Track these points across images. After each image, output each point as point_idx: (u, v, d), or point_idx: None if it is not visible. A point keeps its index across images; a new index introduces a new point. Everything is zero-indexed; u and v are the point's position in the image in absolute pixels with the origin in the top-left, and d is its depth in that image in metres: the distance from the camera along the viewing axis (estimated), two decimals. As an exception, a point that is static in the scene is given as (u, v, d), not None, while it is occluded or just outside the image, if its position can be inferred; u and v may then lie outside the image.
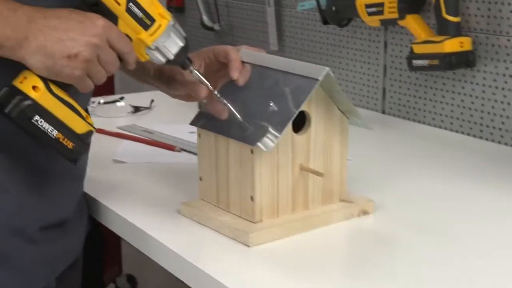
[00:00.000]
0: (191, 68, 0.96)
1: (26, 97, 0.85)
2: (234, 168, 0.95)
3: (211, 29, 2.02)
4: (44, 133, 0.86)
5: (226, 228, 0.94)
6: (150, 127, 1.44)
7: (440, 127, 1.47)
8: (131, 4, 0.88)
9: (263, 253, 0.90)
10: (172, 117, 1.53)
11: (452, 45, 1.32)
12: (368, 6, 1.44)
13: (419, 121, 1.52)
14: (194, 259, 0.88)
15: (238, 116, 0.94)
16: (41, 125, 0.86)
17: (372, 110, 1.61)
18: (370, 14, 1.44)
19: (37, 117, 0.85)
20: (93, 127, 0.92)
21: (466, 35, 1.35)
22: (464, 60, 1.33)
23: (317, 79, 0.92)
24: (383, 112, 1.59)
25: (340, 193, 1.02)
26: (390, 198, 1.08)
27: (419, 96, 1.51)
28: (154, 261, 0.96)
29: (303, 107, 0.93)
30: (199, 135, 1.01)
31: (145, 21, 0.89)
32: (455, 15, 1.33)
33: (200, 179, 1.02)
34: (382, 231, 0.98)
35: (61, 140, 0.88)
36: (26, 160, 0.93)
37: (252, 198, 0.94)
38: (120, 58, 0.89)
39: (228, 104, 0.95)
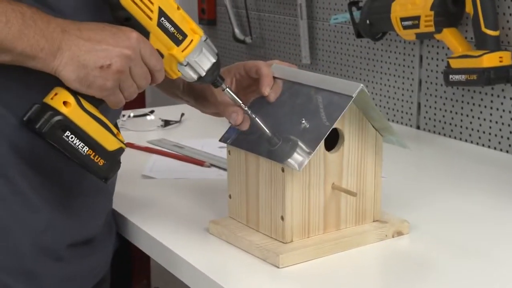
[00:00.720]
0: (223, 86, 0.94)
1: (57, 112, 0.84)
2: (264, 186, 0.93)
3: (243, 42, 2.01)
4: (75, 149, 0.85)
5: (255, 249, 0.92)
6: (180, 142, 1.43)
7: (477, 143, 1.43)
8: (163, 18, 0.87)
9: (293, 274, 0.88)
10: (202, 131, 1.52)
11: (491, 59, 1.28)
12: (403, 19, 1.41)
13: (455, 138, 1.48)
14: (222, 280, 0.86)
15: (268, 131, 0.92)
16: (72, 141, 0.85)
17: (407, 125, 1.58)
18: (405, 27, 1.41)
19: (68, 133, 0.84)
20: (124, 144, 0.90)
21: (506, 50, 1.31)
22: (504, 76, 1.30)
23: (351, 96, 0.90)
24: (418, 128, 1.56)
25: (374, 213, 0.99)
26: (425, 218, 1.05)
27: (455, 112, 1.47)
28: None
29: (336, 125, 0.91)
30: (229, 152, 0.99)
31: (177, 36, 0.88)
32: (495, 29, 1.30)
33: (230, 197, 1.00)
34: (417, 253, 0.95)
35: (92, 156, 0.86)
36: (56, 178, 0.92)
37: (282, 218, 0.91)
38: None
39: (258, 121, 0.93)
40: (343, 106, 0.90)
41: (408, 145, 0.98)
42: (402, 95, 1.58)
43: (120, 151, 0.90)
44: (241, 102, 0.94)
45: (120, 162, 0.90)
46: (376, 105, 1.60)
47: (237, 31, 2.02)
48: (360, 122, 0.95)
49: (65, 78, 0.83)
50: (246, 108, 0.94)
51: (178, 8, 0.89)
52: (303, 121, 0.91)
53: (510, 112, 1.36)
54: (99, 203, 1.01)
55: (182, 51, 0.88)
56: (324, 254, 0.92)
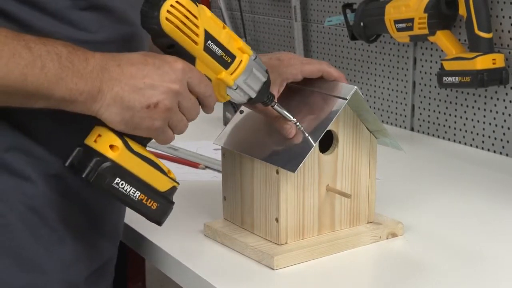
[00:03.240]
0: (273, 103, 0.89)
1: (104, 158, 0.77)
2: (259, 188, 0.93)
3: (237, 44, 2.01)
4: (126, 196, 0.78)
5: (250, 250, 0.92)
6: (174, 144, 1.43)
7: (471, 145, 1.44)
8: (209, 42, 0.80)
9: (288, 276, 0.88)
10: (197, 133, 1.51)
11: (484, 62, 1.29)
12: (397, 21, 1.42)
13: (449, 139, 1.49)
14: (217, 282, 0.86)
15: (313, 143, 0.89)
16: (122, 188, 0.78)
17: (401, 127, 1.58)
18: (399, 29, 1.42)
19: (118, 179, 0.77)
20: (177, 182, 0.84)
21: (499, 52, 1.32)
22: (497, 77, 1.30)
23: (345, 98, 0.90)
24: (412, 130, 1.57)
25: (368, 214, 0.99)
26: (419, 219, 1.05)
27: (449, 114, 1.48)
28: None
29: (330, 127, 0.91)
30: (223, 154, 0.99)
31: (225, 59, 0.81)
32: (488, 31, 1.30)
33: (224, 199, 1.00)
34: (411, 254, 0.95)
35: (144, 201, 0.80)
36: (81, 207, 0.88)
37: (277, 220, 0.91)
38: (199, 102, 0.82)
39: (307, 135, 0.90)
40: (338, 108, 0.90)
41: (402, 147, 0.98)
42: (396, 97, 1.59)
43: (173, 190, 0.83)
44: (291, 117, 0.90)
45: (173, 202, 0.84)
46: (370, 107, 1.60)
47: (231, 33, 2.02)
48: (354, 124, 0.95)
49: (108, 120, 0.77)
50: (298, 124, 0.90)
51: (224, 27, 0.82)
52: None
53: (503, 113, 1.37)
54: (117, 228, 0.97)
55: (231, 74, 0.82)
56: (318, 255, 0.92)
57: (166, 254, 0.95)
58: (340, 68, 1.70)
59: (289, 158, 0.89)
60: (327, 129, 0.90)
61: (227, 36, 0.82)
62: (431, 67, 1.50)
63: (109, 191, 0.78)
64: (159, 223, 0.83)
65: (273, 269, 0.89)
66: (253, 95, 0.85)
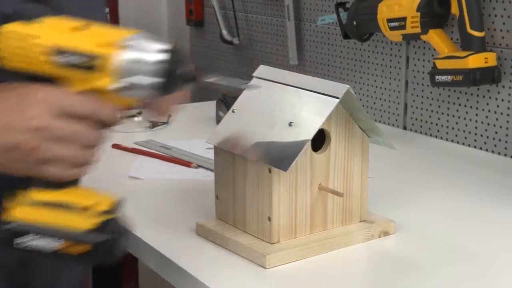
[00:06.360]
0: (201, 78, 0.73)
1: (4, 222, 0.70)
2: (251, 187, 0.93)
3: (230, 43, 2.01)
4: (46, 249, 0.71)
5: (242, 249, 0.92)
6: (167, 143, 1.43)
7: (464, 144, 1.44)
8: (59, 55, 0.68)
9: (280, 275, 0.88)
10: (189, 132, 1.52)
11: (476, 60, 1.29)
12: (390, 20, 1.42)
13: (441, 138, 1.49)
14: (209, 281, 0.86)
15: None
16: (36, 243, 0.70)
17: (393, 126, 1.58)
18: (392, 28, 1.42)
19: (28, 236, 0.70)
20: (114, 212, 0.75)
21: (491, 51, 1.32)
22: (489, 76, 1.31)
23: (337, 97, 0.90)
24: (405, 128, 1.57)
25: (360, 213, 0.99)
26: (412, 218, 1.05)
27: (441, 112, 1.48)
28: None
29: (322, 125, 0.91)
30: (216, 153, 0.99)
31: (87, 64, 0.68)
32: (480, 30, 1.30)
33: (217, 198, 1.00)
34: (403, 253, 0.95)
35: (63, 250, 0.71)
36: None
37: (269, 219, 0.91)
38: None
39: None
40: (330, 107, 0.90)
41: (395, 146, 0.98)
42: (389, 95, 1.59)
43: (107, 223, 0.74)
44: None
45: (117, 234, 0.75)
46: (363, 106, 1.60)
47: (224, 32, 2.02)
48: (347, 123, 0.95)
49: None
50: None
51: (75, 29, 0.70)
52: (292, 123, 0.91)
53: (495, 112, 1.37)
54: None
55: (103, 74, 0.69)
56: (310, 254, 0.92)
57: (158, 253, 0.95)
58: (333, 67, 1.70)
59: (281, 157, 0.89)
60: (320, 128, 0.90)
61: (78, 36, 0.69)
62: (423, 66, 1.50)
63: (25, 251, 0.71)
64: (113, 258, 0.74)
65: (265, 268, 0.89)
66: (152, 80, 0.69)
